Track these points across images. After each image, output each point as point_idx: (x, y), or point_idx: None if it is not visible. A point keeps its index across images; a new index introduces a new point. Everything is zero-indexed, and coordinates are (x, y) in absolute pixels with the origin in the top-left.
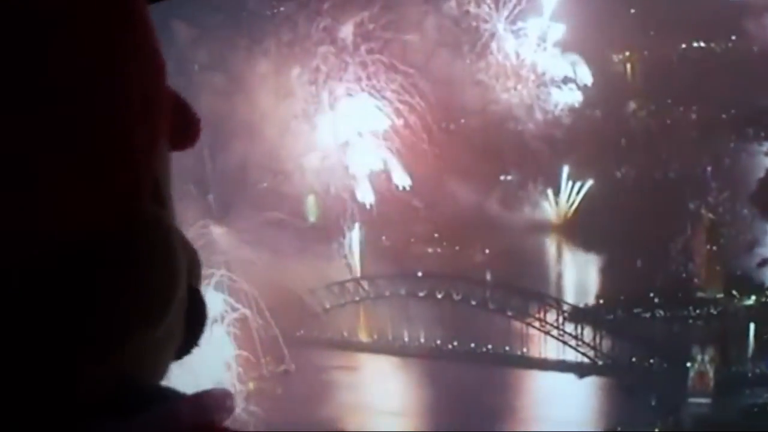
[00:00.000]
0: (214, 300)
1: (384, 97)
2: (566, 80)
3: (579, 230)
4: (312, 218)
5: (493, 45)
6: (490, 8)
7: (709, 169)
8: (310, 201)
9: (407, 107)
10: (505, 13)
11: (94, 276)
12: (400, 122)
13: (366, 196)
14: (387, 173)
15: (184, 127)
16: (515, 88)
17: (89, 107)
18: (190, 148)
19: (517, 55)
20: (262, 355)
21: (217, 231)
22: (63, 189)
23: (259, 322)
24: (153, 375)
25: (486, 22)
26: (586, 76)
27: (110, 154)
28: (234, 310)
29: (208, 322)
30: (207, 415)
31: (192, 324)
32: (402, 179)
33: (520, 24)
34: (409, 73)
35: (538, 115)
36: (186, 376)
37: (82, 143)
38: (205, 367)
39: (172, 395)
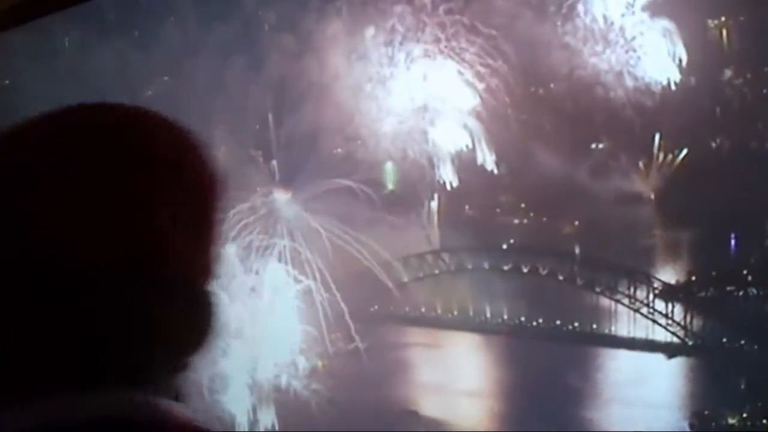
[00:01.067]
0: (276, 271)
1: (464, 60)
2: (657, 46)
3: (671, 203)
4: (390, 186)
5: (580, 7)
6: None
7: None
8: (388, 168)
9: (489, 70)
10: None
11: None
12: (481, 86)
13: (446, 163)
14: (469, 139)
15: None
16: (603, 53)
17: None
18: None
19: (605, 18)
20: (331, 331)
21: (282, 199)
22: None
23: (325, 296)
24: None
25: None
26: (677, 42)
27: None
28: (297, 282)
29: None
30: None
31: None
32: (484, 145)
33: None
34: (491, 35)
35: (629, 82)
36: (249, 349)
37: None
38: (268, 342)
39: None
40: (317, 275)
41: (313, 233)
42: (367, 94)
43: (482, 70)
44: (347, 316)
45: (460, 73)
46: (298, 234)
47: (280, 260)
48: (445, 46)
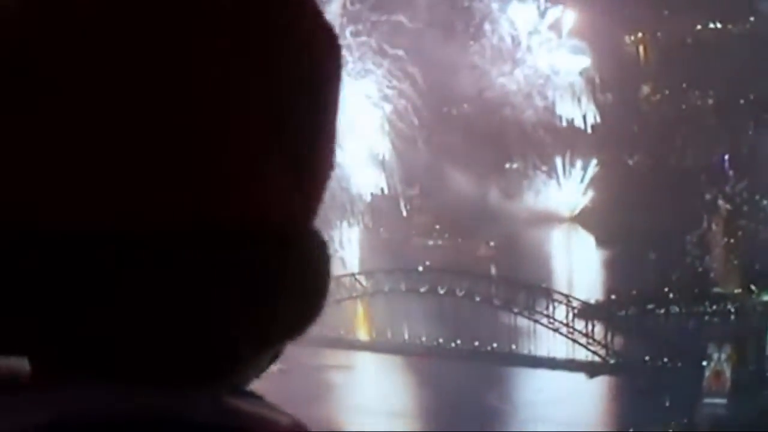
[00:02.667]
0: None
1: (372, 82)
2: (567, 65)
3: (589, 222)
4: None
5: (487, 26)
6: None
7: (726, 157)
8: None
9: (397, 92)
10: None
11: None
12: (389, 108)
13: (357, 185)
14: (379, 162)
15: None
16: (512, 73)
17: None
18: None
19: (513, 38)
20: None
21: None
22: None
23: None
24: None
25: (479, 1)
26: (586, 60)
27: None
28: None
29: None
30: None
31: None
32: (394, 167)
33: (515, 4)
34: (398, 57)
35: (538, 102)
36: None
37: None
38: None
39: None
40: None
41: None
42: None
43: (389, 92)
44: None
45: (367, 96)
46: None
47: None
48: (353, 69)
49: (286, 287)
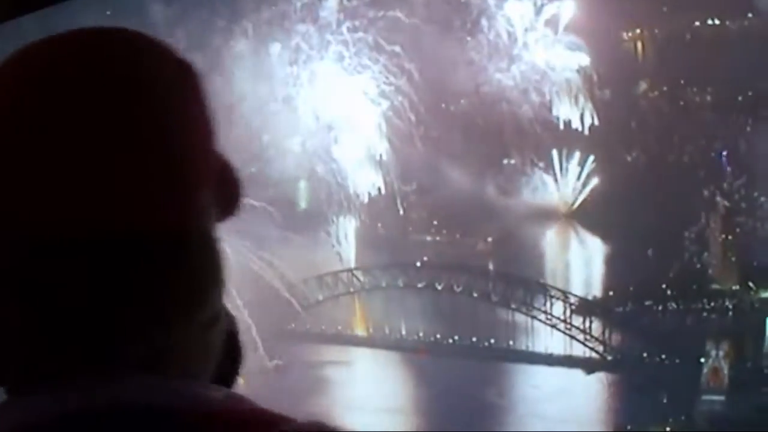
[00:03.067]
0: None
1: (369, 78)
2: (564, 61)
3: (587, 218)
4: (303, 204)
5: (484, 22)
6: None
7: (724, 153)
8: (301, 186)
9: (393, 88)
10: None
11: (152, 260)
12: (386, 104)
13: (355, 181)
14: (375, 158)
15: (228, 198)
16: (508, 69)
17: (172, 143)
18: (230, 217)
19: (509, 33)
20: (252, 349)
21: None
22: (144, 189)
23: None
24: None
25: None
26: (583, 56)
27: (179, 177)
28: None
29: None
30: None
31: (228, 364)
32: (392, 163)
33: (511, 0)
34: (395, 53)
35: (536, 98)
36: None
37: (164, 163)
38: None
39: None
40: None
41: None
42: (273, 113)
43: (387, 88)
44: (254, 333)
45: (364, 92)
46: None
47: None
48: (349, 64)
49: (168, 275)
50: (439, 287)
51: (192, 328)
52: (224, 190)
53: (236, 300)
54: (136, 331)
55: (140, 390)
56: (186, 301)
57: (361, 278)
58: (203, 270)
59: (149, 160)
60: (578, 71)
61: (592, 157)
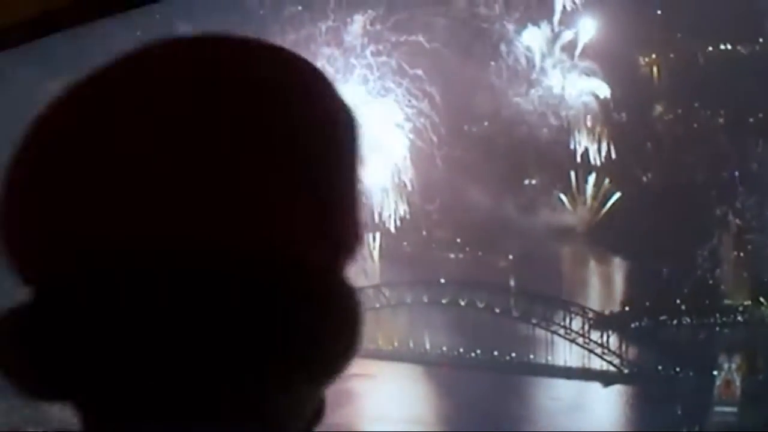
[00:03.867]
0: None
1: (392, 101)
2: (581, 86)
3: (604, 236)
4: None
5: (503, 48)
6: (500, 10)
7: (736, 174)
8: None
9: (416, 110)
10: (516, 15)
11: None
12: (409, 126)
13: (380, 201)
14: (399, 177)
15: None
16: (527, 94)
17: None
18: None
19: (528, 59)
20: None
21: None
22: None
23: None
24: None
25: (496, 24)
26: (601, 82)
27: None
28: None
29: None
30: None
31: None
32: (415, 183)
33: (531, 27)
34: (417, 76)
35: (554, 121)
36: None
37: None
38: None
39: None
40: None
41: None
42: None
43: (409, 110)
44: None
45: (388, 114)
46: None
47: None
48: (373, 87)
49: (309, 325)
50: (463, 303)
51: (305, 394)
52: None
53: None
54: (243, 392)
55: None
56: (314, 368)
57: (387, 294)
58: (347, 334)
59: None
60: (594, 95)
61: (608, 178)
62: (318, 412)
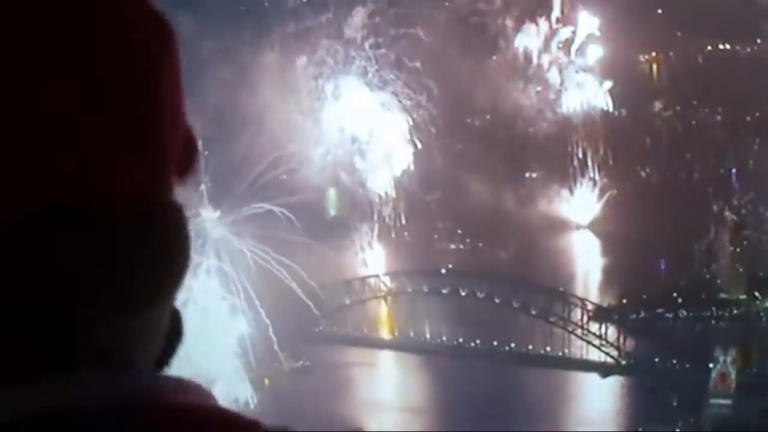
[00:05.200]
0: (208, 290)
1: (391, 93)
2: (580, 81)
3: (603, 229)
4: (333, 212)
5: (501, 44)
6: (499, 6)
7: (733, 170)
8: (331, 194)
9: (414, 103)
10: (516, 12)
11: (114, 238)
12: (407, 118)
13: (378, 191)
14: (399, 169)
15: (187, 165)
16: (525, 89)
17: (138, 96)
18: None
19: (526, 54)
20: (279, 350)
21: (213, 222)
22: (101, 152)
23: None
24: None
25: (495, 19)
26: (599, 79)
27: (147, 132)
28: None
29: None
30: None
31: (170, 340)
32: (414, 174)
33: (528, 23)
34: (416, 69)
35: (550, 116)
36: (189, 367)
37: (124, 116)
38: (210, 361)
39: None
40: (242, 295)
41: (240, 255)
42: (298, 124)
43: (408, 102)
44: (270, 332)
45: (385, 106)
46: (225, 255)
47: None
48: (372, 79)
49: (135, 255)
50: (463, 293)
51: (153, 315)
52: (185, 159)
53: (255, 302)
54: (95, 327)
55: (91, 390)
56: (152, 290)
57: (388, 283)
58: (173, 252)
59: (118, 122)
60: (597, 91)
61: (609, 172)
62: (174, 329)
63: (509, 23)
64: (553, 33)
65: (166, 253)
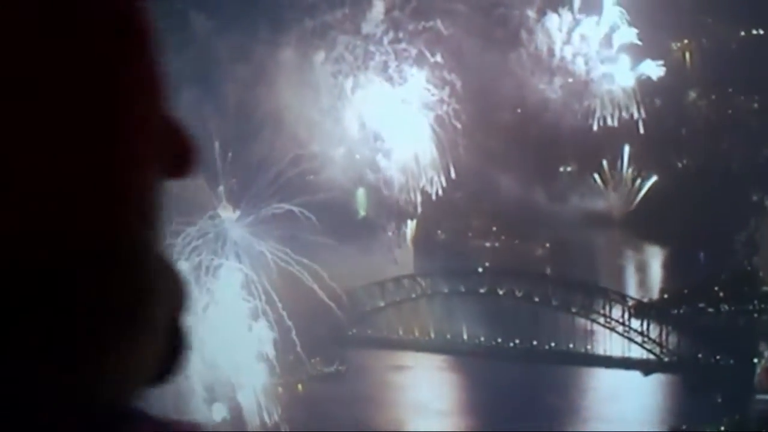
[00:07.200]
0: (229, 291)
1: (412, 88)
2: (611, 71)
3: (641, 223)
4: (362, 212)
5: (524, 35)
6: None
7: None
8: (360, 194)
9: (437, 99)
10: (538, 2)
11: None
12: (431, 114)
13: (404, 189)
14: (424, 165)
15: (179, 156)
16: (551, 81)
17: (72, 108)
18: (185, 177)
19: (549, 47)
20: (309, 355)
21: (232, 224)
22: (46, 193)
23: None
24: (118, 397)
25: (518, 11)
26: (627, 70)
27: (93, 160)
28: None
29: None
30: None
31: (172, 355)
32: (439, 171)
33: (552, 16)
34: (438, 64)
35: (581, 108)
36: (213, 374)
37: (63, 142)
38: (239, 367)
39: (140, 416)
40: (263, 297)
41: (261, 257)
42: (318, 122)
43: (431, 98)
44: (293, 335)
45: (406, 101)
46: (244, 257)
47: (242, 288)
48: (393, 75)
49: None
50: (501, 292)
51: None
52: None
53: (277, 305)
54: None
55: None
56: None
57: (423, 284)
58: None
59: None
60: (631, 80)
61: (645, 164)
62: (168, 358)
63: (531, 14)
64: (576, 23)
65: (126, 292)
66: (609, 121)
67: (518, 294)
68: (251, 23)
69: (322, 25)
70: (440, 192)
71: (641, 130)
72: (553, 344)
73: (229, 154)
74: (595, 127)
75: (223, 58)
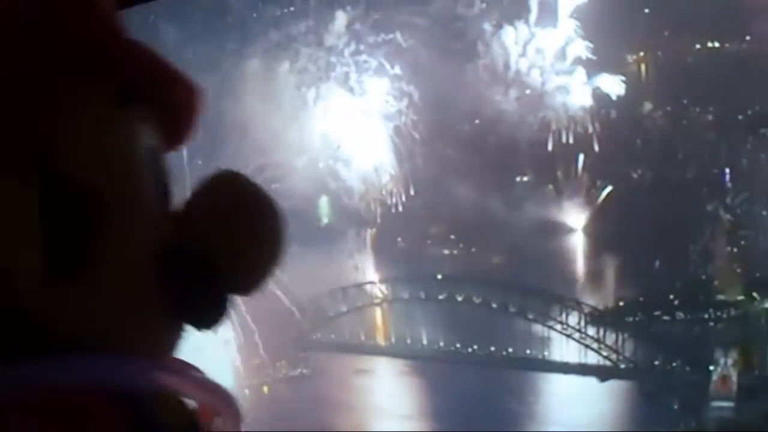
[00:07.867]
0: None
1: (372, 99)
2: (565, 83)
3: (597, 232)
4: (324, 219)
5: (480, 48)
6: (479, 10)
7: (726, 170)
8: (322, 202)
9: (396, 109)
10: (496, 15)
11: None
12: (390, 125)
13: (364, 197)
14: (385, 175)
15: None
16: (506, 93)
17: None
18: (183, 143)
19: (504, 59)
20: (275, 358)
21: None
22: None
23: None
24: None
25: (475, 24)
26: (582, 83)
27: None
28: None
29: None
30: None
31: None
32: (399, 180)
33: (509, 28)
34: (397, 76)
35: (534, 119)
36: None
37: None
38: (204, 369)
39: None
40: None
41: None
42: (282, 132)
43: (390, 109)
44: (257, 337)
45: (367, 112)
46: None
47: None
48: (354, 85)
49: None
50: (459, 299)
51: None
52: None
53: (241, 308)
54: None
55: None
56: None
57: (384, 290)
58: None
59: None
60: (575, 94)
61: (600, 174)
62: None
63: (488, 27)
64: (531, 36)
65: None
66: (564, 132)
67: (476, 300)
68: (219, 35)
69: (287, 37)
70: (399, 200)
71: (596, 141)
72: (510, 350)
73: (198, 162)
74: (550, 138)
75: (192, 69)
